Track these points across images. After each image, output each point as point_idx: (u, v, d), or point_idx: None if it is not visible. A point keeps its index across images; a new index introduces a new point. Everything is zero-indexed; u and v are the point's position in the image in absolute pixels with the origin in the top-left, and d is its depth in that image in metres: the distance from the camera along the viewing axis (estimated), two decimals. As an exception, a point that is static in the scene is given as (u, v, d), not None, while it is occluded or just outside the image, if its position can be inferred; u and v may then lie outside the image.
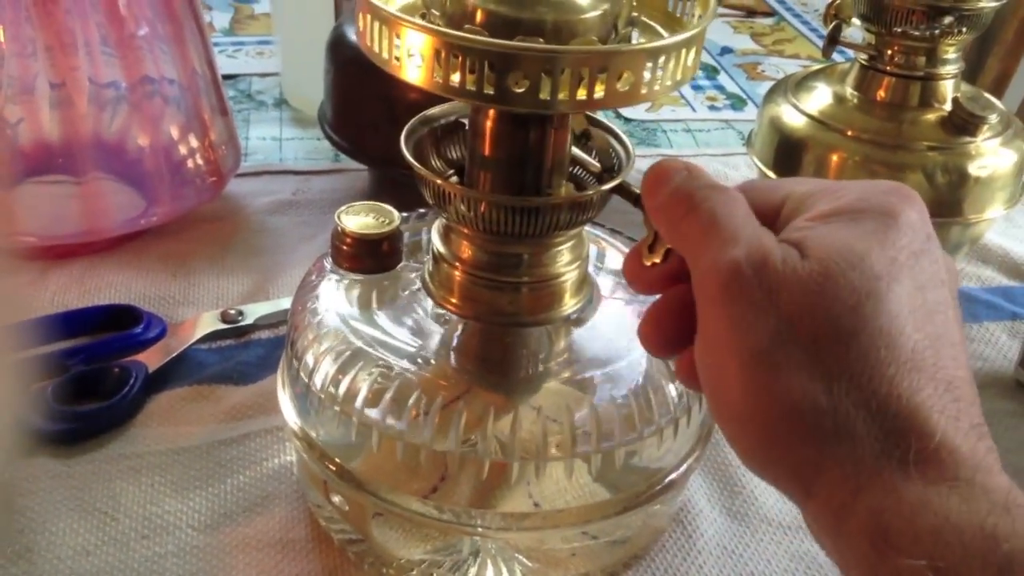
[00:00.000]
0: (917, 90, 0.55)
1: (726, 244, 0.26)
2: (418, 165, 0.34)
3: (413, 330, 0.37)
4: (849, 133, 0.54)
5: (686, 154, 0.72)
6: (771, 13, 1.02)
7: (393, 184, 0.55)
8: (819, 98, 0.57)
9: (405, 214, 0.40)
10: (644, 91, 0.30)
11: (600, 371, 0.35)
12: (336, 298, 0.38)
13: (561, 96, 0.29)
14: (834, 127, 0.55)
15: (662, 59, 0.29)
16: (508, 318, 0.36)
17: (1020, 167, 0.55)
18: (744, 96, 0.83)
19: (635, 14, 0.35)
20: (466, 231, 0.35)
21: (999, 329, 0.54)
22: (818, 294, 0.24)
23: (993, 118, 0.53)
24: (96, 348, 0.47)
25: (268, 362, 0.48)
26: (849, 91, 0.57)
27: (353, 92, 0.56)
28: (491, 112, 0.33)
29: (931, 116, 0.54)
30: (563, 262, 0.36)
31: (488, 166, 0.34)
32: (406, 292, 0.38)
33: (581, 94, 0.29)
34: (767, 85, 0.86)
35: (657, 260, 0.30)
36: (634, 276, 0.31)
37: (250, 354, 0.49)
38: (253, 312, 0.51)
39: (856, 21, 0.56)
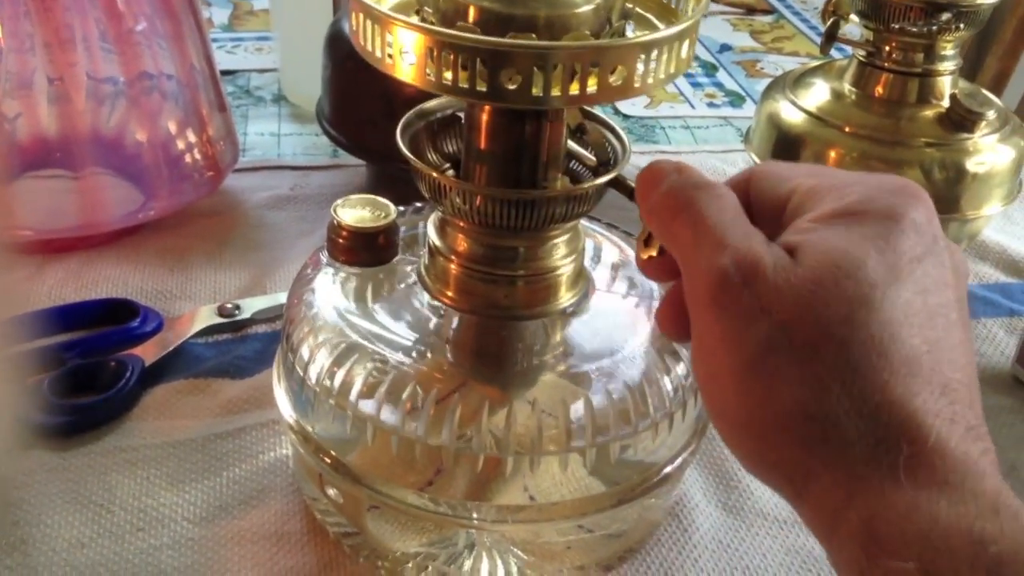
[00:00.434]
0: (915, 86, 0.55)
1: (715, 249, 0.26)
2: (414, 158, 0.34)
3: (409, 323, 0.37)
4: (847, 129, 0.54)
5: (684, 151, 0.72)
6: (770, 11, 1.02)
7: (391, 179, 0.55)
8: (817, 94, 0.57)
9: (401, 208, 0.40)
10: (637, 84, 0.30)
11: (596, 365, 0.35)
12: (332, 291, 0.38)
13: (554, 92, 0.29)
14: (832, 123, 0.55)
15: (655, 52, 0.29)
16: (504, 311, 0.36)
17: (1018, 163, 0.55)
18: (743, 93, 0.83)
19: (629, 6, 0.35)
20: (462, 224, 0.35)
21: (996, 325, 0.54)
22: (810, 302, 0.24)
23: (991, 114, 0.53)
24: (93, 342, 0.47)
25: (265, 356, 0.48)
26: (847, 87, 0.57)
27: (351, 88, 0.56)
28: (486, 106, 0.33)
29: (929, 112, 0.54)
30: (559, 255, 0.36)
31: (484, 159, 0.34)
32: (402, 285, 0.38)
33: (574, 89, 0.29)
34: (766, 82, 0.85)
35: (653, 253, 0.30)
36: (640, 266, 0.31)
37: (247, 348, 0.49)
38: (250, 307, 0.51)
39: (854, 18, 0.56)
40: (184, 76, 0.57)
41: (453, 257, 0.35)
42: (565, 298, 0.36)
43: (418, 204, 0.42)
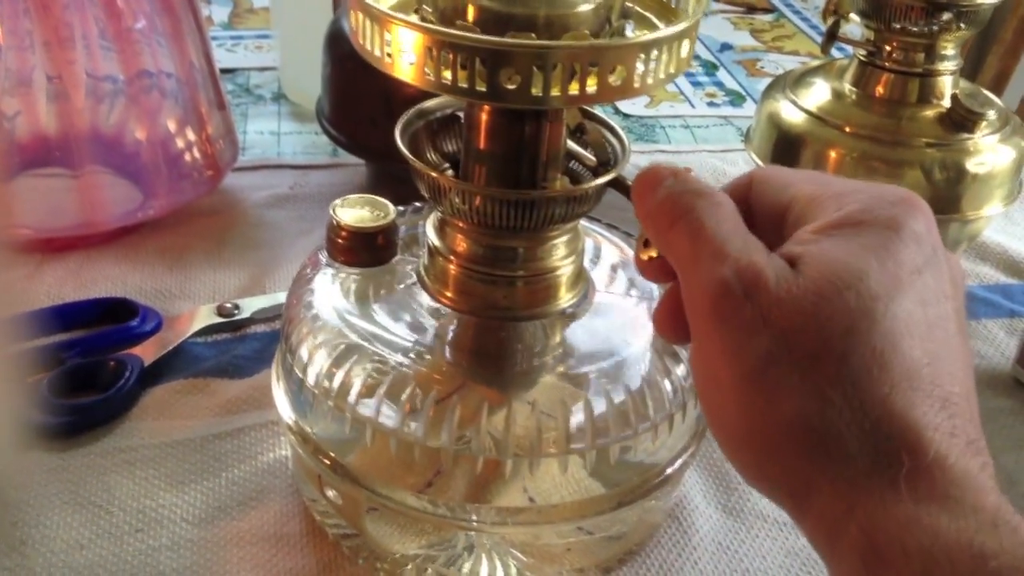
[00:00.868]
0: (916, 86, 0.54)
1: (714, 260, 0.26)
2: (413, 158, 0.34)
3: (408, 324, 0.37)
4: (847, 129, 0.54)
5: (684, 150, 0.72)
6: (771, 9, 1.02)
7: (391, 178, 0.55)
8: (818, 94, 0.57)
9: (401, 208, 0.40)
10: (637, 84, 0.30)
11: (595, 366, 0.35)
12: (331, 291, 0.38)
13: (553, 91, 0.29)
14: (832, 123, 0.55)
15: (655, 52, 0.29)
16: (503, 312, 0.36)
17: (1018, 164, 0.55)
18: (743, 92, 0.83)
19: (629, 5, 0.35)
20: (461, 225, 0.35)
21: (997, 327, 0.54)
22: (812, 314, 0.24)
23: (991, 115, 0.53)
24: (92, 341, 0.47)
25: (264, 356, 0.48)
26: (847, 87, 0.57)
27: (350, 86, 0.56)
28: (486, 106, 0.33)
29: (929, 112, 0.54)
30: (558, 256, 0.36)
31: (483, 159, 0.34)
32: (401, 286, 0.38)
33: (573, 89, 0.29)
34: (766, 82, 0.85)
35: (653, 255, 0.30)
36: (639, 267, 0.31)
37: (246, 348, 0.49)
38: (249, 306, 0.51)
39: (855, 17, 0.56)
40: (183, 74, 0.57)
41: (452, 257, 0.35)
42: (565, 299, 0.36)
43: (417, 204, 0.42)
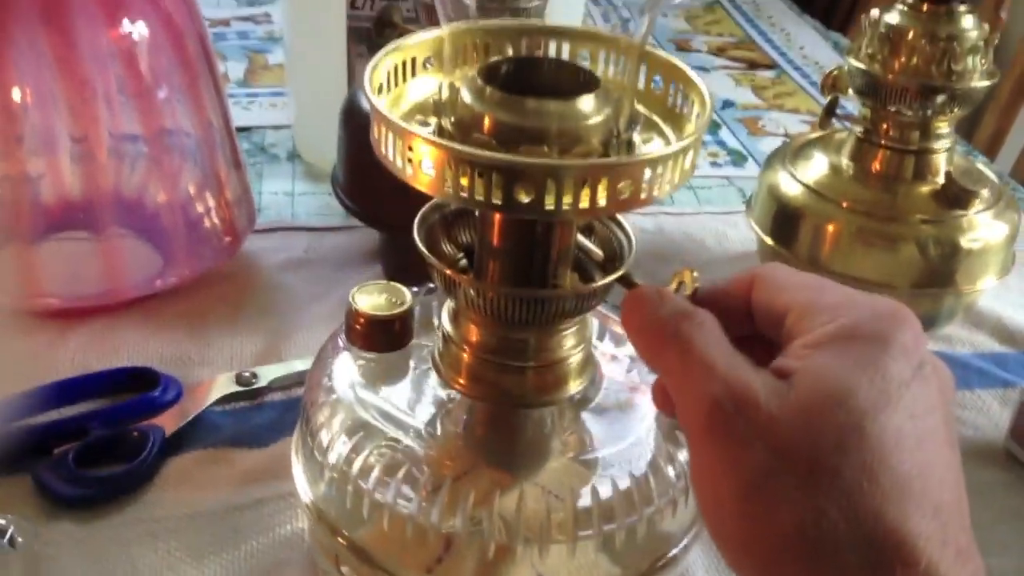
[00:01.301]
0: (911, 163, 0.56)
1: (704, 379, 0.27)
2: (429, 255, 0.36)
3: (423, 408, 0.38)
4: (844, 204, 0.56)
5: (687, 212, 0.74)
6: (772, 65, 1.04)
7: (404, 245, 0.56)
8: (816, 167, 0.59)
9: (416, 288, 0.42)
10: (643, 196, 0.32)
11: (603, 452, 0.37)
12: (350, 374, 0.40)
13: (565, 204, 0.30)
14: (830, 198, 0.57)
15: (660, 168, 0.31)
16: (514, 399, 0.37)
17: (1012, 238, 0.57)
18: (744, 152, 0.85)
19: (637, 107, 0.36)
20: (474, 316, 0.37)
21: (991, 397, 0.55)
22: (803, 430, 0.26)
23: (985, 192, 0.55)
24: (116, 412, 0.48)
25: (281, 425, 0.49)
26: (845, 162, 0.59)
27: (366, 159, 0.57)
28: (500, 209, 0.34)
29: (925, 189, 0.56)
30: (568, 346, 0.37)
31: (496, 256, 0.35)
32: (416, 370, 0.40)
33: (584, 202, 0.31)
34: (767, 141, 0.88)
35: None
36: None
37: (263, 416, 0.50)
38: (267, 374, 0.52)
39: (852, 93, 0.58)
40: (202, 133, 0.58)
41: (465, 346, 0.37)
42: (573, 386, 0.38)
43: (431, 284, 0.44)
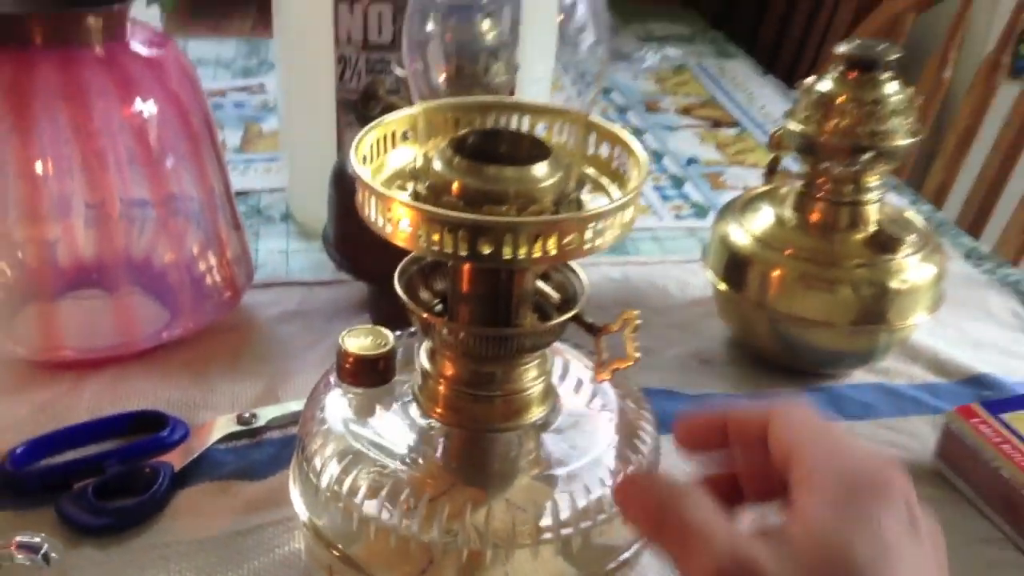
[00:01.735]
0: (845, 214, 0.62)
1: (707, 555, 0.30)
2: (408, 301, 0.41)
3: (405, 435, 0.44)
4: (787, 252, 0.62)
5: (652, 261, 0.79)
6: (735, 123, 1.11)
7: (390, 294, 0.62)
8: (762, 219, 0.65)
9: (398, 332, 0.47)
10: (587, 247, 0.37)
11: (563, 470, 0.42)
12: (340, 408, 0.45)
13: (520, 255, 0.36)
14: (775, 246, 0.63)
15: (601, 223, 0.37)
16: (484, 425, 0.43)
17: (939, 278, 0.63)
18: (706, 205, 0.92)
19: (585, 168, 0.42)
20: (448, 353, 0.42)
21: (922, 423, 0.61)
22: None
23: (911, 238, 0.61)
24: (129, 451, 0.54)
25: (279, 459, 0.54)
26: (788, 213, 0.65)
27: (354, 220, 0.63)
28: (468, 259, 0.40)
29: (858, 236, 0.62)
30: (530, 377, 0.43)
31: (467, 301, 0.41)
32: (399, 403, 0.45)
33: (537, 252, 0.36)
34: (728, 194, 0.94)
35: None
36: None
37: (262, 453, 0.55)
38: (265, 415, 0.57)
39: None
40: (205, 197, 0.63)
41: (441, 380, 0.43)
42: (536, 412, 0.43)
43: (411, 329, 0.49)
